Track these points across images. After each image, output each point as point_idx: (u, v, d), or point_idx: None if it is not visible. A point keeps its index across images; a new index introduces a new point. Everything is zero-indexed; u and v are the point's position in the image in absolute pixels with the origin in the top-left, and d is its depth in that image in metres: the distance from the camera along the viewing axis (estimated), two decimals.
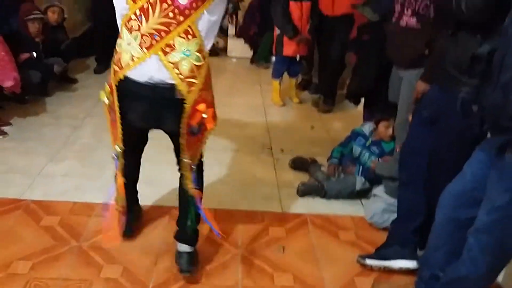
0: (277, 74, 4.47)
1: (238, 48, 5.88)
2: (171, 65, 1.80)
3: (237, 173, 3.18)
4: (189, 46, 1.80)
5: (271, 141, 3.67)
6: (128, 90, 1.88)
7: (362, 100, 3.84)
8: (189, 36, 1.79)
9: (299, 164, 3.24)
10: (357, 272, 2.35)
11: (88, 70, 4.97)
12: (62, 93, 4.34)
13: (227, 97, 4.45)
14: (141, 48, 1.80)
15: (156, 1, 1.75)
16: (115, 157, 2.07)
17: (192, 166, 2.01)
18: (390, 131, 2.95)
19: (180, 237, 2.21)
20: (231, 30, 5.98)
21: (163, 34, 1.78)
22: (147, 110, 1.91)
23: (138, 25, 1.79)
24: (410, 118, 2.48)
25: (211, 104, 1.93)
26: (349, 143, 3.15)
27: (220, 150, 3.42)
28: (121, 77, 1.86)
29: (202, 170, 2.18)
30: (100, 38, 4.94)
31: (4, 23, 3.86)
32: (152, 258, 2.33)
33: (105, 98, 1.96)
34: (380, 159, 2.96)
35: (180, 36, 1.78)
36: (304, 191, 2.94)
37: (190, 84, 1.83)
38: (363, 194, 2.92)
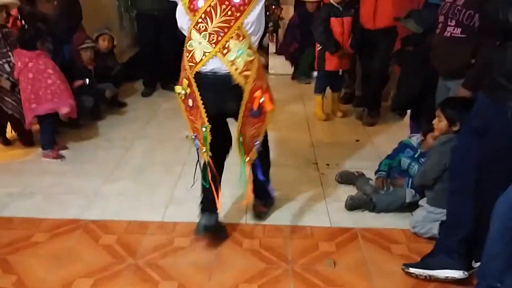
0: (320, 89, 4.49)
1: (279, 65, 5.95)
2: (230, 62, 2.20)
3: (284, 188, 3.19)
4: (241, 46, 2.19)
5: (316, 156, 3.68)
6: (203, 81, 2.27)
7: (408, 112, 3.80)
8: (240, 38, 2.18)
9: (346, 178, 3.24)
10: (412, 285, 2.32)
11: (136, 93, 5.17)
12: (113, 116, 4.54)
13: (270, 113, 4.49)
14: (210, 44, 2.18)
15: (216, 4, 2.13)
16: (194, 137, 2.46)
17: (256, 143, 2.44)
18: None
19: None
20: (272, 48, 6.07)
21: (226, 29, 2.16)
22: (217, 96, 2.30)
23: (205, 26, 2.17)
24: None
25: (266, 90, 2.33)
26: (397, 156, 3.12)
27: None
28: (197, 70, 2.25)
29: (267, 145, 2.68)
30: (147, 63, 5.16)
31: (59, 53, 4.12)
32: (206, 274, 2.39)
33: (182, 90, 2.34)
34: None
35: (233, 39, 2.17)
36: (352, 205, 2.93)
37: (246, 76, 2.23)
38: (414, 206, 2.86)
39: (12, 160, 3.62)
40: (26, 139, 3.81)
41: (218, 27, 2.15)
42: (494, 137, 2.01)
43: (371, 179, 3.12)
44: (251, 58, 2.22)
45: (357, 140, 3.99)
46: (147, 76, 5.24)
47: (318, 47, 4.38)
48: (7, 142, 3.84)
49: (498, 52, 1.98)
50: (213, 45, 2.17)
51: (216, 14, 2.14)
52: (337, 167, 3.45)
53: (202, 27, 2.17)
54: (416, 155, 3.02)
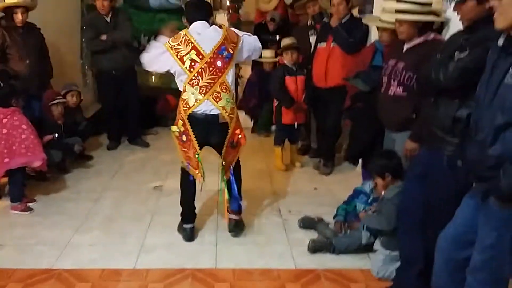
0: (279, 141, 4.82)
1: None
2: (221, 107, 3.03)
3: (250, 234, 3.41)
4: (228, 96, 3.06)
5: (278, 204, 3.93)
6: (194, 120, 3.04)
7: (360, 161, 4.16)
8: (226, 90, 3.05)
9: (307, 223, 3.49)
10: None
11: (101, 147, 5.31)
12: (80, 169, 4.64)
13: None
14: (200, 94, 3.00)
15: (206, 67, 2.99)
16: (187, 165, 3.18)
17: (231, 166, 3.23)
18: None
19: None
20: None
21: (212, 84, 3.01)
22: (205, 131, 3.08)
23: (197, 82, 3.00)
24: None
25: (241, 129, 3.23)
26: (352, 201, 3.42)
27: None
28: (190, 112, 3.02)
29: (239, 167, 3.39)
30: (109, 118, 5.32)
31: (29, 109, 4.24)
32: None
33: (177, 129, 3.11)
34: (366, 210, 3.26)
35: (222, 91, 3.02)
36: (314, 248, 3.16)
37: (231, 118, 3.09)
38: (370, 247, 3.13)
39: None
40: None
41: (206, 82, 3.00)
42: (434, 182, 2.35)
43: (330, 224, 3.39)
44: (233, 106, 3.13)
45: (315, 188, 4.29)
46: (111, 130, 5.39)
47: (275, 103, 4.76)
48: None
49: (433, 108, 2.36)
50: (203, 95, 3.00)
51: (205, 74, 2.99)
52: (299, 213, 3.68)
53: (195, 82, 3.00)
54: (369, 200, 3.33)
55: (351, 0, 4.37)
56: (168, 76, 6.41)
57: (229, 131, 3.08)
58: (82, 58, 6.58)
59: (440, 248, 2.19)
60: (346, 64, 4.28)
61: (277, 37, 6.10)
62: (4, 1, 4.16)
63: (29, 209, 3.69)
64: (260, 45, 3.31)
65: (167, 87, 6.43)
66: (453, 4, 2.43)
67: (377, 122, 3.33)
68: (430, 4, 2.81)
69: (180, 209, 3.36)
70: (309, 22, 5.05)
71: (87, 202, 3.89)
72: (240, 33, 3.22)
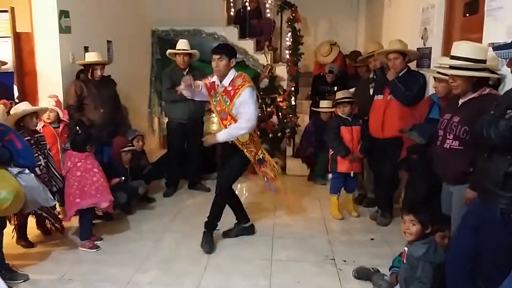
0: (335, 190, 4.84)
1: (296, 167, 6.39)
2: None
3: (304, 282, 3.41)
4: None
5: (333, 253, 3.92)
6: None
7: None
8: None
9: (362, 274, 3.45)
10: None
11: (163, 190, 5.54)
12: (143, 211, 4.89)
13: (289, 212, 4.84)
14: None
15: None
16: None
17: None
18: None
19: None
20: (289, 152, 6.57)
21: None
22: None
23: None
24: None
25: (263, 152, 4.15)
26: None
27: (286, 261, 3.73)
28: None
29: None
30: (173, 165, 5.59)
31: (99, 153, 4.59)
32: None
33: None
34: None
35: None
36: None
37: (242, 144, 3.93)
38: None
39: (52, 249, 3.92)
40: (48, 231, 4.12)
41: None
42: (487, 235, 2.33)
43: (386, 275, 3.34)
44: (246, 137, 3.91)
45: (372, 239, 4.24)
46: (170, 177, 5.59)
47: (331, 151, 4.84)
48: (47, 232, 4.16)
49: (486, 163, 2.36)
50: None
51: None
52: (354, 263, 3.66)
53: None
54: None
55: (407, 55, 4.47)
56: None
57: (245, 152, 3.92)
58: (150, 107, 7.07)
59: None
60: (403, 116, 4.31)
61: (335, 88, 6.26)
62: (85, 58, 4.64)
63: (96, 247, 3.93)
64: (248, 126, 3.80)
65: None
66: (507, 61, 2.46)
67: (433, 175, 3.32)
68: (485, 61, 2.84)
69: None
70: (370, 76, 5.15)
71: (148, 242, 4.08)
72: (247, 101, 3.78)
